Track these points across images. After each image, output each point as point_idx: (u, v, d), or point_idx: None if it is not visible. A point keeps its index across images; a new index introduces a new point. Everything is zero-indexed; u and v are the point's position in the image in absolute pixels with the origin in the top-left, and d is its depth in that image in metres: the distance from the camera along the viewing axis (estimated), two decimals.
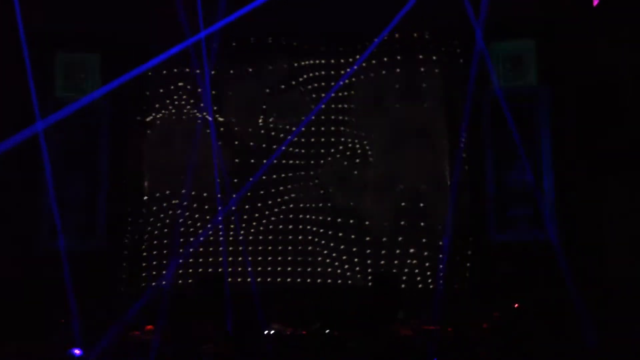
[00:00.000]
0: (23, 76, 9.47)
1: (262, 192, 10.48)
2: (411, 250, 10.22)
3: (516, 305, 8.50)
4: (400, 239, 10.28)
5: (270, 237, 10.45)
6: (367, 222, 10.41)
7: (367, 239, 10.37)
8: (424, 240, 10.21)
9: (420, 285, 10.08)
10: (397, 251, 10.27)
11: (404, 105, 10.54)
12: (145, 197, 10.44)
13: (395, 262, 10.20)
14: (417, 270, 10.17)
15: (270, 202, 10.55)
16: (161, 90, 10.57)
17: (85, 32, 10.07)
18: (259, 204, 10.52)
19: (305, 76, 10.62)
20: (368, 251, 10.29)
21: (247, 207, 10.46)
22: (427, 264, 10.16)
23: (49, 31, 9.81)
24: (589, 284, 8.81)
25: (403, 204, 10.36)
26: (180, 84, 10.56)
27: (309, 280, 10.33)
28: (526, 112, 9.97)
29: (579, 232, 9.34)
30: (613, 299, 8.53)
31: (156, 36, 9.52)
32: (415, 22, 9.98)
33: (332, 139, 10.64)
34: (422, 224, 10.23)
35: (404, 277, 10.11)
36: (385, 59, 10.57)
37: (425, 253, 10.17)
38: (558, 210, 9.55)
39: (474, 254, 9.89)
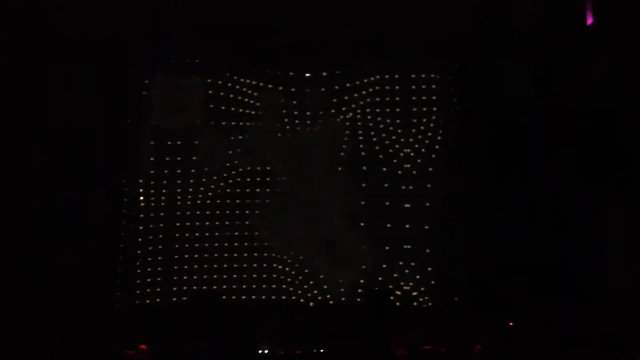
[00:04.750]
0: None
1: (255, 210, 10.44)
2: (406, 270, 10.13)
3: (511, 323, 8.42)
4: (394, 256, 10.19)
5: (264, 254, 10.34)
6: (361, 240, 10.29)
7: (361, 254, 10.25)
8: (418, 258, 10.12)
9: (415, 303, 9.97)
10: (392, 269, 10.17)
11: (396, 124, 10.50)
12: (141, 214, 10.34)
13: (391, 279, 10.09)
14: (412, 288, 10.08)
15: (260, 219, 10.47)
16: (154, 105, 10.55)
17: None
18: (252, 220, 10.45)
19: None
20: (363, 267, 10.18)
21: (238, 223, 10.40)
22: (422, 282, 10.08)
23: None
24: (587, 298, 8.79)
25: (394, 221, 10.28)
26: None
27: (302, 299, 10.21)
28: (521, 126, 9.96)
29: (577, 245, 9.29)
30: (612, 312, 8.47)
31: None
32: (411, 39, 10.12)
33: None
34: (417, 241, 10.15)
35: (399, 295, 10.00)
36: (380, 76, 10.56)
37: (420, 270, 10.09)
38: (554, 224, 9.51)
39: (469, 271, 9.82)
